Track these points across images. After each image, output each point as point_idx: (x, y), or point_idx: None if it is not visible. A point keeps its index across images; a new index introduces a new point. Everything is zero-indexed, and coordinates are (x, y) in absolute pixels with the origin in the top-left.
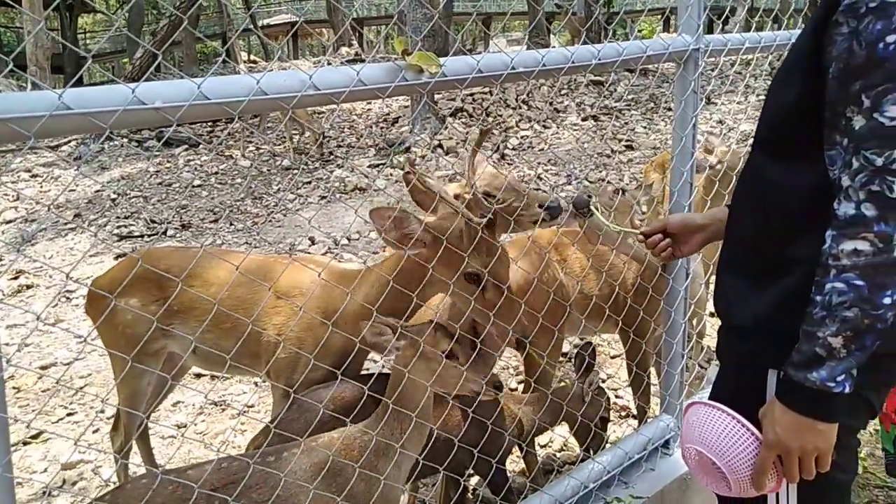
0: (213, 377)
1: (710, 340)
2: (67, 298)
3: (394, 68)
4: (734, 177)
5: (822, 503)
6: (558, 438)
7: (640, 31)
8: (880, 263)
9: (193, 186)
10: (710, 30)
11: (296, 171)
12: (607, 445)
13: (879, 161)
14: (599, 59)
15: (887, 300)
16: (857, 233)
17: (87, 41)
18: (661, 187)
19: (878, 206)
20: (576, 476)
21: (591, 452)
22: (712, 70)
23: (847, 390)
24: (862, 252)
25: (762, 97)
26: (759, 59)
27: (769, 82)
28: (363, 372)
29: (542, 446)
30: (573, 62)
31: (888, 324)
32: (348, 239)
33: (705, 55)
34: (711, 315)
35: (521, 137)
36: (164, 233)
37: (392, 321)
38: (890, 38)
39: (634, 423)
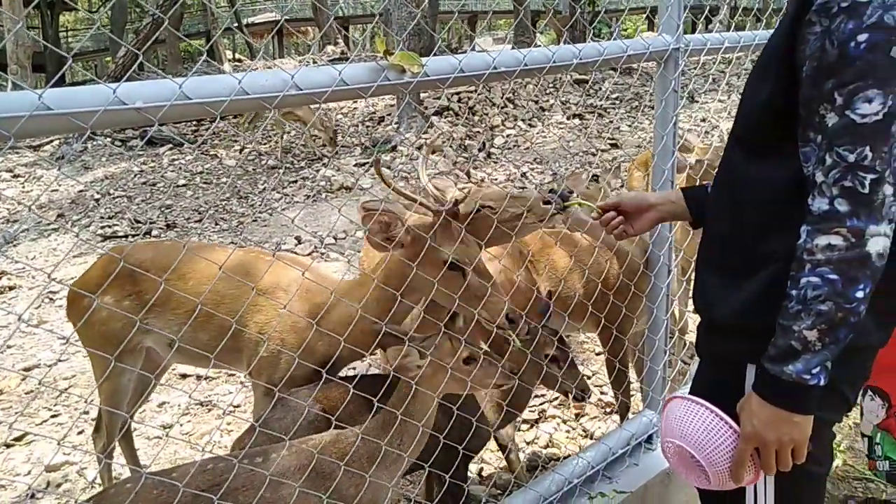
0: (198, 377)
1: (694, 336)
2: (50, 299)
3: (376, 68)
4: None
5: (799, 495)
6: (543, 435)
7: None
8: (853, 258)
9: (178, 186)
10: (693, 29)
11: (281, 171)
12: (591, 441)
13: (852, 157)
14: (581, 59)
15: (860, 294)
16: (831, 228)
17: (70, 39)
18: (644, 185)
19: (850, 201)
20: (560, 472)
21: (583, 399)
22: (695, 69)
23: (822, 382)
24: (835, 247)
25: None
26: (741, 58)
27: None
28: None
29: (527, 443)
30: (554, 62)
31: (860, 317)
32: (334, 238)
33: (685, 55)
34: (694, 311)
35: (507, 136)
36: (149, 233)
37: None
38: (861, 37)
39: (618, 418)
